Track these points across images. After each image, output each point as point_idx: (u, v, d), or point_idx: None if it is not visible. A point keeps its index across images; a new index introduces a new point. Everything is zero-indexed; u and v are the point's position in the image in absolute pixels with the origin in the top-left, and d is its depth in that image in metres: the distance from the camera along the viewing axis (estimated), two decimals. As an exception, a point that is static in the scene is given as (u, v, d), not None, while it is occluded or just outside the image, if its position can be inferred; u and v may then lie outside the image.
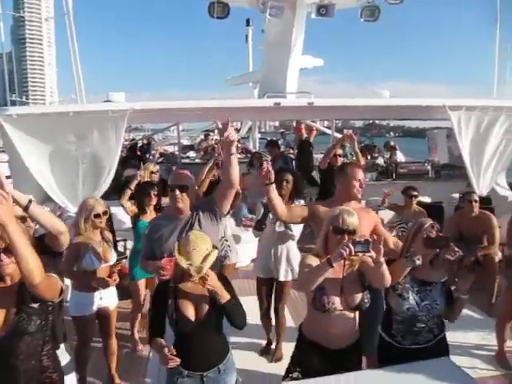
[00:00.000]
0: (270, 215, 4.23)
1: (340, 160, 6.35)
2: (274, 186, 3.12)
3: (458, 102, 6.08)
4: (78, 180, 5.34)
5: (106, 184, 5.40)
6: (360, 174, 3.34)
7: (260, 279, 4.46)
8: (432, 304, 2.83)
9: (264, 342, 4.59)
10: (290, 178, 4.28)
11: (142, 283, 4.63)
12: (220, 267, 4.10)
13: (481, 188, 6.17)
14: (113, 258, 3.82)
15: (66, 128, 5.29)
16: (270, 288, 4.44)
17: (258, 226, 4.41)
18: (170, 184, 3.09)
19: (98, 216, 3.72)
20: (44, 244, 2.59)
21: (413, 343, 2.87)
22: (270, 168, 3.04)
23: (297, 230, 4.33)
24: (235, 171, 2.96)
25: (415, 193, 6.10)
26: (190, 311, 2.54)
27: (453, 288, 2.90)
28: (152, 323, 2.65)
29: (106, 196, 5.28)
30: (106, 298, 3.80)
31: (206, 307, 2.54)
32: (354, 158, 6.44)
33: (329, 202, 3.42)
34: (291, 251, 4.34)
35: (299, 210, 3.40)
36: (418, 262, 2.76)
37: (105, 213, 3.77)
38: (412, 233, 2.93)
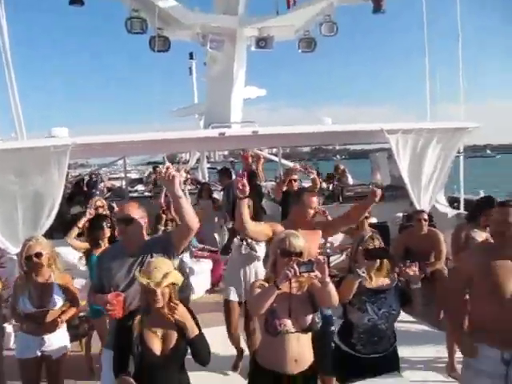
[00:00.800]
0: (235, 240, 4.53)
1: (296, 185, 6.54)
2: (247, 200, 3.24)
3: (394, 125, 6.39)
4: (18, 219, 5.10)
5: (48, 222, 5.19)
6: (315, 202, 3.68)
7: (228, 302, 4.55)
8: (389, 310, 2.98)
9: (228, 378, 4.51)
10: (250, 202, 4.46)
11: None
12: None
13: (422, 206, 6.44)
14: (57, 300, 3.63)
15: (6, 166, 5.08)
16: (238, 310, 4.53)
17: (225, 251, 4.70)
18: (116, 217, 3.04)
19: (28, 258, 3.55)
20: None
21: (372, 352, 2.99)
22: (245, 182, 3.10)
23: (261, 251, 4.49)
24: (189, 213, 2.84)
25: (367, 214, 6.28)
26: (156, 345, 2.47)
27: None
28: (117, 357, 2.54)
29: (50, 234, 5.10)
30: (53, 343, 3.62)
31: (174, 341, 2.49)
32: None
33: (285, 223, 3.68)
34: (258, 270, 4.48)
35: (265, 228, 3.56)
36: (363, 275, 2.90)
37: (37, 255, 3.56)
38: (355, 247, 3.08)
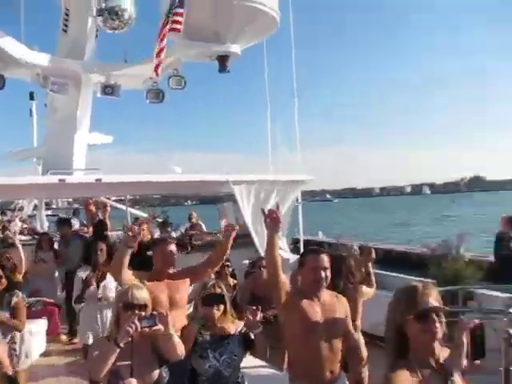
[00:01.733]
0: (91, 287, 4.77)
1: (146, 233, 6.47)
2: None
3: (239, 177, 6.75)
4: None
5: None
6: (172, 248, 3.77)
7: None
8: (231, 357, 2.95)
9: None
10: (103, 246, 4.99)
11: None
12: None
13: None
14: None
15: None
16: None
17: (79, 300, 4.86)
18: None
19: None
20: None
21: None
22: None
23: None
24: None
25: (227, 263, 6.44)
26: None
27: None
28: None
29: None
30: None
31: None
32: None
33: (151, 273, 3.68)
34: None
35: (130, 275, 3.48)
36: (202, 321, 2.92)
37: None
38: (198, 294, 3.10)
